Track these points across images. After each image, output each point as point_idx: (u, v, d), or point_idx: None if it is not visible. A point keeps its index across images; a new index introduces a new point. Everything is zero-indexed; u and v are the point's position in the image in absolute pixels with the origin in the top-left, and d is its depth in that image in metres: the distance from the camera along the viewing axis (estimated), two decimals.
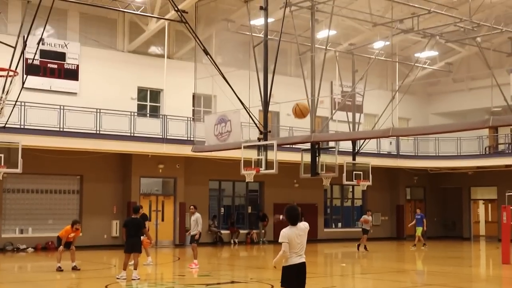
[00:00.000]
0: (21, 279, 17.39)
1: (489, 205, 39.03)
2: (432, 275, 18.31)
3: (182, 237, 29.90)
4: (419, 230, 29.46)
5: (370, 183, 29.70)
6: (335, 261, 24.87)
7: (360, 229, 28.48)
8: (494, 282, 18.19)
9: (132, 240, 16.32)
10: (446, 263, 22.77)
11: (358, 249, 27.47)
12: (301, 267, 8.93)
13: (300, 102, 9.70)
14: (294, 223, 8.97)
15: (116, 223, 28.63)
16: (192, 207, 19.90)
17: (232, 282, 16.71)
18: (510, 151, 35.53)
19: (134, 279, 15.86)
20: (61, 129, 25.78)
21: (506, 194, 23.90)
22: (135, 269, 16.18)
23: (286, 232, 8.87)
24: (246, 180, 23.09)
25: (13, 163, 21.80)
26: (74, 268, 18.10)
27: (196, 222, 19.49)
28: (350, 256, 26.69)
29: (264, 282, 15.75)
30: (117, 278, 16.13)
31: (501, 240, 23.19)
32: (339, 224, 37.23)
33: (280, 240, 8.84)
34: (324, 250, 28.11)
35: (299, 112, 11.83)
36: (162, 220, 30.08)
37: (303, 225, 9.04)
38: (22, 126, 24.80)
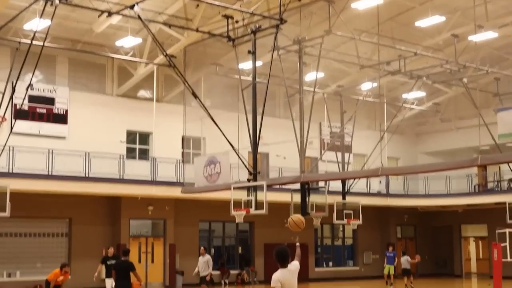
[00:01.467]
0: None
1: (480, 242, 39.00)
2: None
3: (172, 279, 29.71)
4: (389, 268, 28.24)
5: (360, 222, 29.61)
6: None
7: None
8: None
9: (121, 282, 16.17)
10: None
11: None
12: None
13: (294, 215, 9.15)
14: (284, 264, 8.97)
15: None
16: (202, 248, 21.10)
17: None
18: (499, 189, 35.63)
19: None
20: (50, 173, 25.74)
21: (497, 231, 23.99)
22: None
23: (277, 276, 8.84)
24: (236, 221, 23.05)
25: (1, 207, 21.52)
26: None
27: (207, 264, 20.48)
28: None
29: None
30: None
31: (492, 277, 23.18)
32: (330, 263, 37.10)
33: (272, 286, 8.80)
34: None
35: (293, 225, 11.45)
36: (152, 261, 29.86)
37: (294, 266, 9.03)
38: (10, 170, 24.76)
